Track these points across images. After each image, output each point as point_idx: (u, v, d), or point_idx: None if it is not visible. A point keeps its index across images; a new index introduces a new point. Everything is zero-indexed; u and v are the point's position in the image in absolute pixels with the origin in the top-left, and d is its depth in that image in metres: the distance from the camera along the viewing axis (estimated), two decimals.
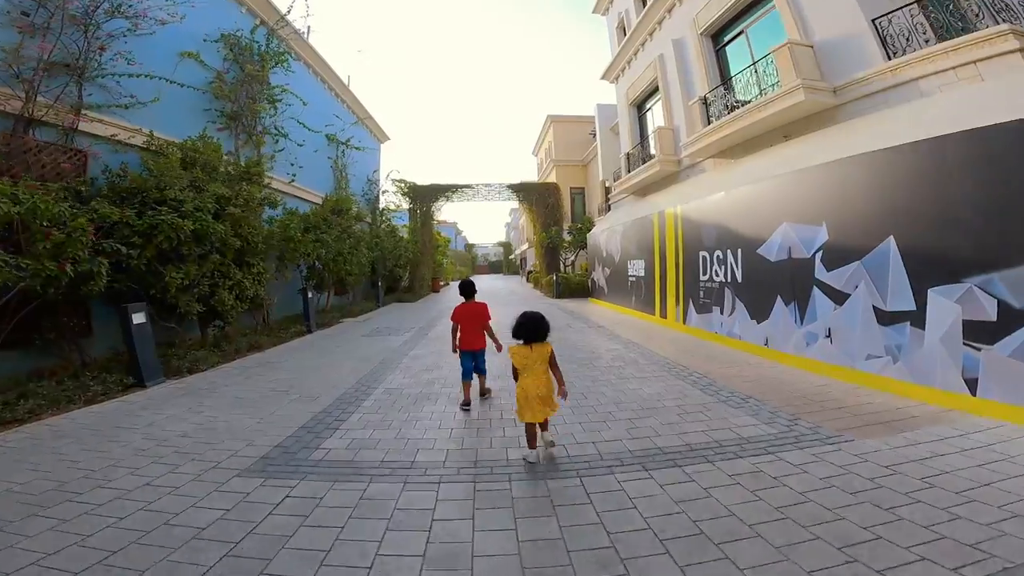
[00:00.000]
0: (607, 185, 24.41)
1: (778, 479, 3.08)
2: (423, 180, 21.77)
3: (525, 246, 45.64)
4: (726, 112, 9.79)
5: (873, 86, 6.69)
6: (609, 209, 26.34)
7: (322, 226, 11.55)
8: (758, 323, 6.73)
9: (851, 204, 5.19)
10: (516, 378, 3.54)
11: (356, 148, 17.15)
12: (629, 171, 15.49)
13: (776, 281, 6.32)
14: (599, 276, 15.03)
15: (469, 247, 72.53)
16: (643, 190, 14.83)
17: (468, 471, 3.36)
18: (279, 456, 3.73)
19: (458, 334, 4.75)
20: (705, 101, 10.62)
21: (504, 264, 68.31)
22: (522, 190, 22.07)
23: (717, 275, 7.78)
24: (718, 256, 7.74)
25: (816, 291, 5.60)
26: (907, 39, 6.43)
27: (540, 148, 39.72)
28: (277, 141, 11.97)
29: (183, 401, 5.31)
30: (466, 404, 4.68)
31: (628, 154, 15.82)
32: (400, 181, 21.01)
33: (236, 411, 4.89)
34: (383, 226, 20.22)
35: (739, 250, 7.16)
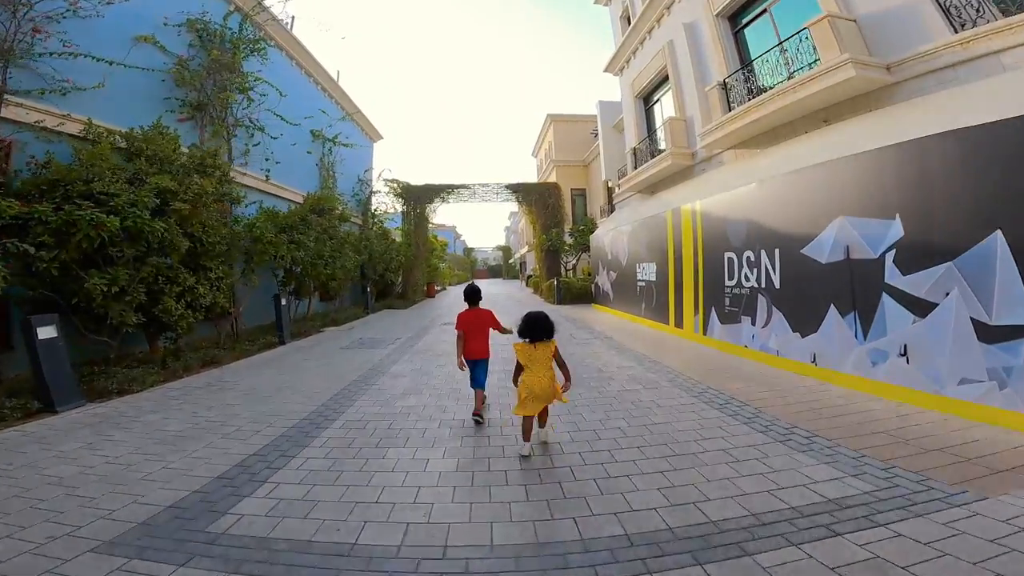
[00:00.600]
0: (610, 185, 23.41)
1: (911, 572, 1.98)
2: (420, 182, 20.71)
3: (525, 249, 44.57)
4: (748, 97, 8.73)
5: (940, 61, 5.61)
6: (613, 210, 25.34)
7: (299, 226, 10.47)
8: (802, 336, 5.61)
9: (937, 191, 4.09)
10: (516, 377, 3.56)
11: (344, 145, 16.10)
12: (636, 167, 14.42)
13: (829, 287, 5.22)
14: (604, 281, 13.93)
15: (468, 251, 71.46)
16: (652, 187, 13.75)
17: (432, 568, 2.24)
18: (168, 523, 2.64)
19: (463, 344, 4.31)
20: (724, 86, 9.56)
21: (504, 268, 67.29)
22: (521, 190, 21.02)
23: (747, 279, 6.67)
24: (748, 257, 6.63)
25: (886, 299, 4.49)
26: (977, 10, 5.40)
27: (540, 149, 38.74)
28: (252, 135, 10.91)
29: (85, 434, 4.19)
30: (477, 413, 4.27)
31: (635, 149, 14.76)
32: (392, 181, 19.97)
33: (145, 450, 3.77)
34: (375, 228, 19.18)
35: (776, 250, 6.05)
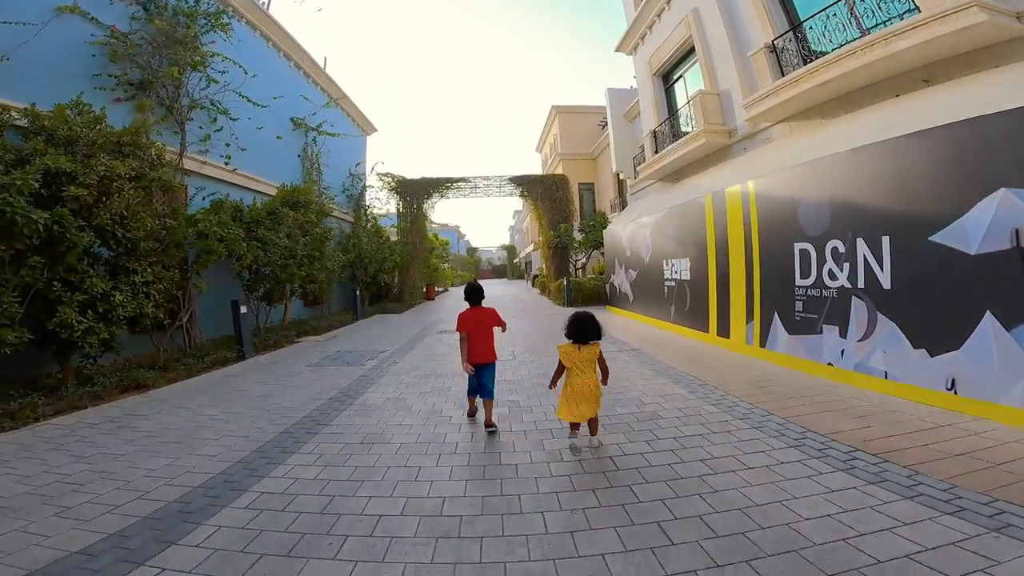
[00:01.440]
0: (621, 177, 21.80)
1: None
2: (418, 177, 19.10)
3: (530, 248, 42.89)
4: (804, 60, 7.09)
5: None
6: (624, 204, 23.68)
7: (267, 222, 8.90)
8: (931, 355, 3.96)
9: None
10: (555, 379, 3.47)
11: (329, 134, 14.54)
12: (657, 151, 12.77)
13: (981, 287, 3.57)
14: (621, 281, 12.28)
15: (472, 251, 69.82)
16: (677, 173, 12.10)
17: None
18: None
19: (467, 346, 3.98)
20: (774, 49, 7.91)
21: (508, 268, 65.63)
22: (525, 183, 19.39)
23: (833, 277, 5.01)
24: (835, 249, 4.97)
25: None
26: None
27: (544, 143, 37.13)
28: (215, 119, 9.39)
29: None
30: (472, 413, 4.31)
31: (654, 132, 13.10)
32: (386, 175, 18.40)
33: None
34: (368, 225, 17.63)
35: (885, 238, 4.39)
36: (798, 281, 5.53)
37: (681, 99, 12.64)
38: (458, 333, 4.01)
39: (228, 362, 7.44)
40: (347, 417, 4.52)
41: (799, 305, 5.52)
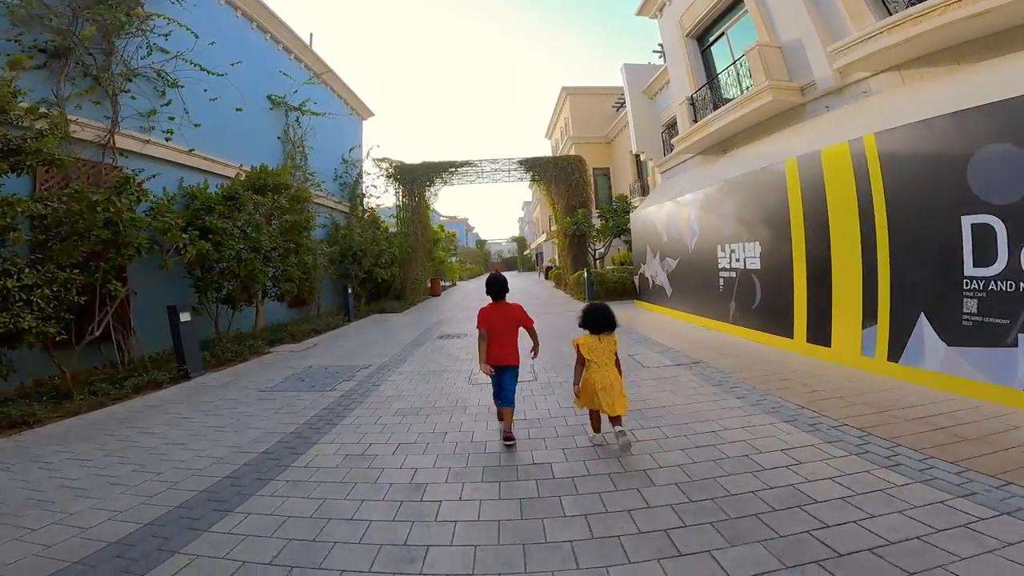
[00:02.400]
0: (643, 159, 19.86)
1: None
2: (418, 162, 17.27)
3: (542, 238, 40.94)
4: None
5: None
6: (646, 190, 21.74)
7: (222, 208, 7.19)
8: None
9: None
10: (577, 376, 3.35)
11: (314, 113, 12.76)
12: (695, 120, 10.81)
13: None
14: (655, 272, 10.38)
15: (481, 243, 68.00)
16: (725, 143, 10.16)
17: None
18: None
19: (486, 346, 3.45)
20: None
21: (519, 260, 63.84)
22: (537, 166, 17.47)
23: None
24: None
25: None
26: None
27: (555, 128, 35.05)
28: (163, 92, 7.73)
29: None
30: (502, 417, 3.60)
31: (691, 99, 11.12)
32: (382, 160, 16.61)
33: None
34: (364, 215, 15.91)
35: None
36: (969, 270, 3.63)
37: (722, 60, 10.67)
38: (477, 331, 3.53)
39: (163, 384, 5.75)
40: (263, 501, 2.75)
41: (971, 304, 3.63)
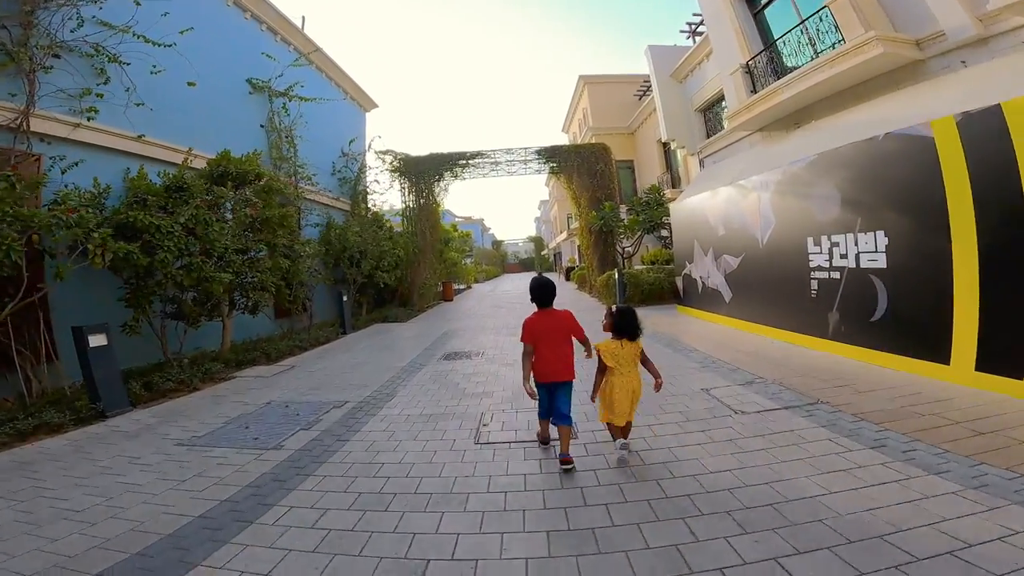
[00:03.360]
0: (673, 147, 18.05)
1: None
2: (425, 154, 15.67)
3: (562, 236, 39.09)
4: None
5: None
6: (675, 180, 19.84)
7: (160, 201, 5.65)
8: None
9: None
10: (597, 387, 3.14)
11: (302, 99, 11.24)
12: (754, 91, 8.97)
13: None
14: (706, 272, 8.55)
15: (497, 244, 66.30)
16: (799, 114, 8.32)
17: None
18: None
19: (531, 362, 3.04)
20: None
21: (536, 261, 62.04)
22: (557, 156, 15.73)
23: None
24: None
25: None
26: None
27: (572, 120, 33.18)
28: (102, 70, 6.30)
29: None
30: (544, 441, 3.36)
31: (747, 67, 9.27)
32: (385, 152, 15.08)
33: None
34: (367, 213, 14.38)
35: None
36: None
37: (779, 24, 8.84)
38: (522, 345, 3.06)
39: (63, 428, 4.20)
40: None
41: None
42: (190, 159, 6.91)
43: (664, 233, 14.35)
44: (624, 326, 3.06)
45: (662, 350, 6.23)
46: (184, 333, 6.52)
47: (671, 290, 11.50)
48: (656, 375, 3.08)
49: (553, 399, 3.06)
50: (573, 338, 3.12)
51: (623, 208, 15.39)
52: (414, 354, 7.48)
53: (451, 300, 17.70)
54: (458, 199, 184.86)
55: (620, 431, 3.07)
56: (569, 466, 2.93)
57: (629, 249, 14.80)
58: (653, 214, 13.16)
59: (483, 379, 5.47)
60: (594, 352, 3.12)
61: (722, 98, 14.39)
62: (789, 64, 8.51)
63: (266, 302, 7.63)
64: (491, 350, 7.32)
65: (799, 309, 5.87)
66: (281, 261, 7.62)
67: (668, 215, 12.91)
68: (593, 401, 3.19)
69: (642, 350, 3.13)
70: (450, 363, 6.55)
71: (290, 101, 11.06)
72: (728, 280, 7.69)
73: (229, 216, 6.63)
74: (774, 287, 6.39)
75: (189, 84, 7.52)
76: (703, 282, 8.67)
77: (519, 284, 28.66)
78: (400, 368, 6.41)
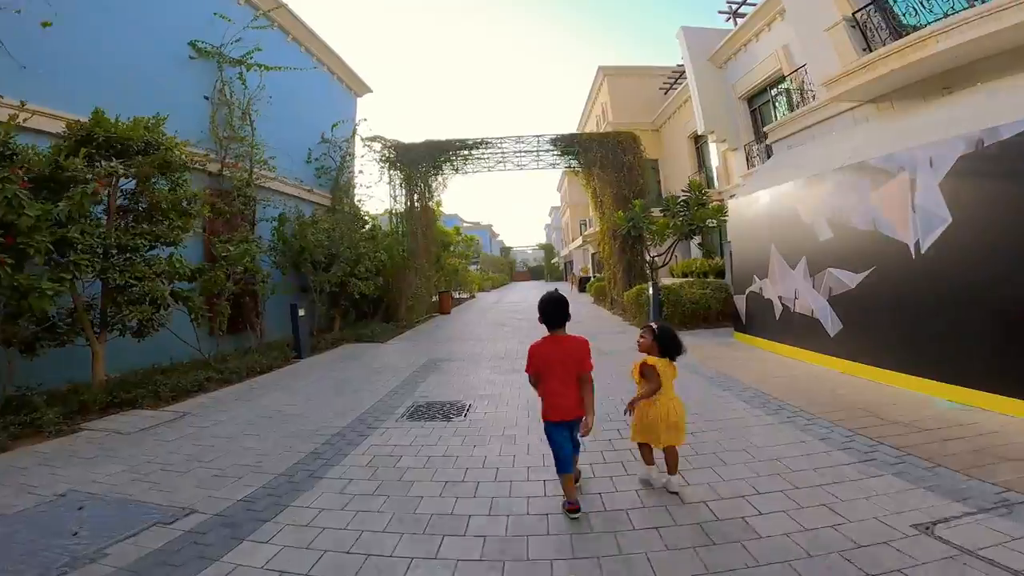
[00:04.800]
0: (711, 141, 15.78)
1: None
2: (420, 141, 13.39)
3: (575, 243, 36.59)
4: None
5: None
6: (710, 178, 17.50)
7: None
8: None
9: None
10: (634, 401, 2.76)
11: (263, 67, 8.99)
12: (868, 49, 6.56)
13: None
14: (792, 290, 6.08)
15: (506, 251, 63.83)
16: (947, 76, 5.90)
17: None
18: None
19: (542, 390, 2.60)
20: None
21: (546, 269, 59.62)
22: (575, 146, 13.39)
23: None
24: None
25: None
26: None
27: (589, 116, 30.86)
28: None
29: None
30: (573, 508, 2.47)
31: (855, 20, 6.86)
32: (373, 139, 12.86)
33: None
34: (348, 209, 12.14)
35: None
36: None
37: None
38: (527, 376, 2.65)
39: None
40: None
41: None
42: (19, 118, 4.53)
43: (699, 240, 11.92)
44: (671, 345, 2.77)
45: (747, 410, 3.88)
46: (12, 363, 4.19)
47: (719, 311, 9.06)
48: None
49: (562, 437, 2.49)
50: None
51: (655, 210, 12.93)
52: (372, 400, 5.09)
53: (448, 313, 15.30)
54: (465, 203, 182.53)
55: (669, 459, 2.71)
56: (575, 513, 2.45)
57: (664, 257, 12.34)
58: (694, 216, 10.71)
59: (460, 477, 3.07)
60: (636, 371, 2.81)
61: (780, 79, 12.06)
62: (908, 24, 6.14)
63: (163, 319, 5.28)
64: (484, 402, 4.92)
65: (998, 354, 3.41)
66: (178, 265, 5.26)
67: (712, 217, 10.50)
68: (626, 414, 2.81)
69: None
70: (415, 428, 4.15)
71: (248, 71, 8.84)
72: (835, 304, 5.22)
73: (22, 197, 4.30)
74: (943, 319, 3.93)
75: (43, 25, 5.19)
76: (785, 305, 6.19)
77: (527, 295, 26.14)
78: (334, 433, 4.01)
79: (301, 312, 8.12)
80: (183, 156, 5.51)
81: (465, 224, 50.79)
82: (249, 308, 8.08)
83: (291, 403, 5.09)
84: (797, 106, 10.33)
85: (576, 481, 2.65)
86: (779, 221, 6.26)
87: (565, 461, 2.48)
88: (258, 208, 8.81)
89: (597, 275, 24.35)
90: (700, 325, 9.01)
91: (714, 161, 17.08)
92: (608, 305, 13.67)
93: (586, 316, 12.64)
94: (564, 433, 2.50)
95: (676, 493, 2.65)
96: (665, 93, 23.01)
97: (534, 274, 63.68)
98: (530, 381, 2.65)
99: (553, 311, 2.57)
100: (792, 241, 5.98)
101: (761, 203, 6.80)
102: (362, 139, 12.90)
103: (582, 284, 25.05)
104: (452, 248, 20.11)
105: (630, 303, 10.24)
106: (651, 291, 9.21)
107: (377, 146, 12.99)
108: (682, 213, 11.13)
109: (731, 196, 9.32)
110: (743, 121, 14.28)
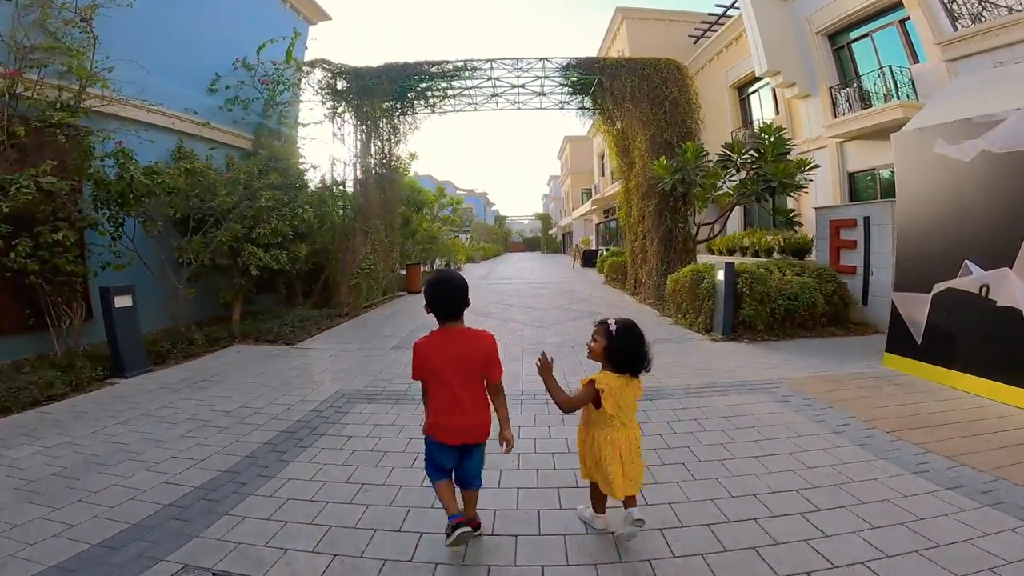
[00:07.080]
0: (774, 85, 12.40)
1: None
2: (379, 64, 9.55)
3: (578, 212, 32.78)
4: None
5: None
6: (755, 132, 13.96)
7: None
8: None
9: None
10: (585, 435, 2.08)
11: None
12: None
13: None
14: None
15: (500, 220, 59.75)
16: None
17: None
18: None
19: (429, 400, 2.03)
20: None
21: (543, 241, 56.02)
22: (596, 74, 9.73)
23: None
24: None
25: None
26: None
27: None
28: None
29: None
30: (460, 523, 1.88)
31: None
32: (313, 63, 9.22)
33: None
34: (280, 156, 8.57)
35: None
36: None
37: None
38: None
39: None
40: None
41: None
42: None
43: (770, 204, 8.47)
44: (629, 353, 1.94)
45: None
46: None
47: (824, 311, 5.75)
48: None
49: (463, 463, 2.00)
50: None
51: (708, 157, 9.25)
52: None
53: (418, 292, 11.80)
54: (460, 170, 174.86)
55: (627, 501, 1.97)
56: (476, 531, 2.05)
57: (715, 225, 8.83)
58: (774, 170, 7.17)
59: None
60: (578, 390, 2.00)
61: (893, 6, 8.64)
62: None
63: None
64: None
65: None
66: None
67: (796, 169, 7.07)
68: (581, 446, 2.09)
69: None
70: None
71: None
72: None
73: None
74: None
75: None
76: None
77: (522, 269, 22.41)
78: None
79: (128, 301, 4.65)
80: None
81: (459, 191, 46.64)
82: (49, 292, 4.66)
83: None
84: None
85: (471, 527, 1.94)
86: (995, 180, 2.81)
87: (461, 478, 2.02)
88: (99, 144, 5.24)
89: (605, 248, 20.72)
90: (799, 333, 5.66)
91: (766, 114, 13.61)
92: (631, 290, 10.26)
93: (598, 300, 9.16)
94: (443, 452, 1.94)
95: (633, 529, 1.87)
96: (695, 42, 19.32)
97: (530, 245, 60.07)
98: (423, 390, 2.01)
99: (442, 295, 1.93)
100: None
101: (994, 135, 3.30)
102: (297, 64, 9.15)
103: (587, 258, 21.28)
104: (430, 211, 16.44)
105: (685, 292, 6.78)
106: (721, 275, 5.79)
107: (318, 72, 9.23)
108: (753, 166, 7.61)
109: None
110: (824, 61, 10.83)
